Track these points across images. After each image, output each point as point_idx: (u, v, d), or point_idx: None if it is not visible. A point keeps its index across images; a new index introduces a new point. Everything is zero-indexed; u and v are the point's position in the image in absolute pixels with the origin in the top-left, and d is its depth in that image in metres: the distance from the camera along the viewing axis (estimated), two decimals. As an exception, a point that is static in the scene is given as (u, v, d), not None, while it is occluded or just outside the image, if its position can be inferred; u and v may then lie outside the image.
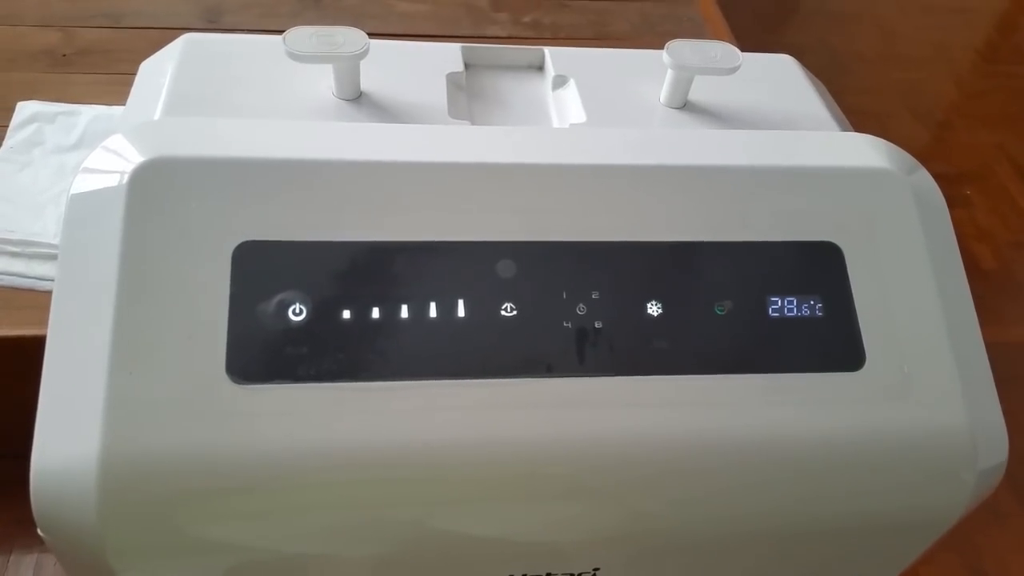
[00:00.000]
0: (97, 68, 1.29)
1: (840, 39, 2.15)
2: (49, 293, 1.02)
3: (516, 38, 1.45)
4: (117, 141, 0.51)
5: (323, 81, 0.61)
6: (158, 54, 0.65)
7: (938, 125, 1.95)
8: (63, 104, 1.20)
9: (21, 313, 1.00)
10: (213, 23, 1.37)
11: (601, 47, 1.46)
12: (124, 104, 1.19)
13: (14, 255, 1.03)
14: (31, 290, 1.02)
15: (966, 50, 2.22)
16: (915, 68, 2.12)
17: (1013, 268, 1.55)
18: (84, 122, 1.18)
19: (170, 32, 1.43)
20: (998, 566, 1.23)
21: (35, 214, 1.07)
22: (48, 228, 1.05)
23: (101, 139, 1.18)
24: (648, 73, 0.66)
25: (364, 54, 0.58)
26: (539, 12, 1.51)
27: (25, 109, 1.18)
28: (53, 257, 1.02)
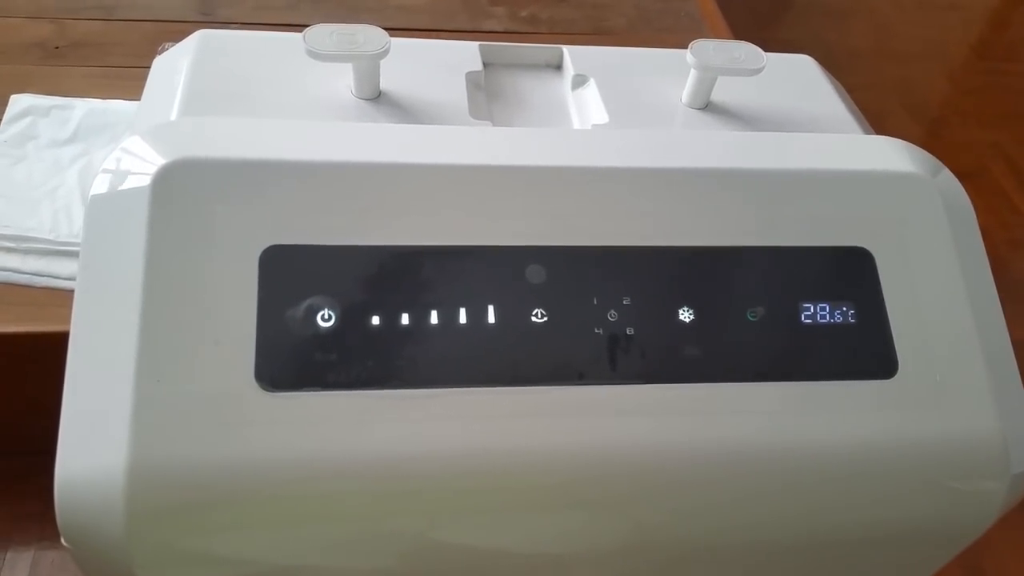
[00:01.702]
0: (90, 61, 1.26)
1: (834, 35, 2.15)
2: (43, 289, 1.01)
3: (513, 32, 1.44)
4: (137, 142, 0.50)
5: (341, 80, 0.60)
6: (172, 50, 0.64)
7: (932, 122, 1.95)
8: (57, 97, 1.18)
9: (15, 309, 0.98)
10: (207, 16, 1.35)
11: (598, 41, 1.46)
12: (118, 97, 1.17)
13: (8, 251, 1.01)
14: (26, 286, 1.00)
15: (960, 46, 2.23)
16: (909, 64, 2.12)
17: (1009, 267, 1.56)
18: (79, 116, 1.16)
19: (164, 25, 1.41)
20: (997, 566, 1.23)
21: (30, 209, 1.05)
22: (43, 223, 1.03)
23: (96, 133, 1.17)
24: (667, 73, 0.66)
25: (385, 53, 0.57)
26: (536, 6, 1.50)
27: (18, 102, 1.16)
28: (48, 252, 1.01)
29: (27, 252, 1.01)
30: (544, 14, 1.49)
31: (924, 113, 1.96)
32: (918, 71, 2.10)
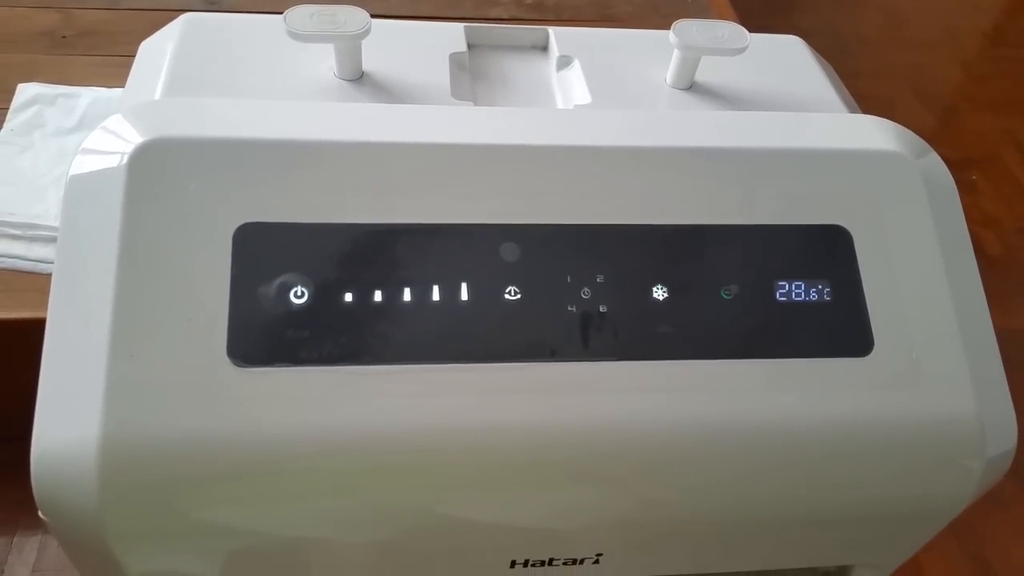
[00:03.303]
0: (97, 50, 1.28)
1: (846, 22, 2.14)
2: (50, 276, 1.02)
3: (519, 19, 1.44)
4: (117, 121, 0.50)
5: (325, 61, 0.60)
6: (158, 34, 0.64)
7: (944, 109, 1.93)
8: (63, 86, 1.19)
9: (22, 296, 0.99)
10: (212, 4, 1.36)
11: (605, 28, 1.45)
12: (124, 85, 1.18)
13: (15, 238, 1.03)
14: (32, 273, 1.01)
15: (973, 34, 2.20)
16: (921, 52, 2.10)
17: (1019, 254, 1.54)
18: (84, 104, 1.18)
19: (170, 13, 1.41)
20: (999, 553, 1.22)
21: (36, 197, 1.06)
22: (49, 211, 1.05)
23: (101, 121, 1.18)
24: (654, 54, 0.65)
25: (366, 33, 0.57)
26: (542, -7, 1.50)
27: (25, 91, 1.18)
28: (54, 240, 1.01)
29: (33, 239, 1.03)
30: (550, 1, 1.49)
31: (936, 100, 1.94)
32: (930, 58, 2.08)
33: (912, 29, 2.19)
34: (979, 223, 1.59)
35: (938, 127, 1.86)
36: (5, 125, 1.13)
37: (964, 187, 1.60)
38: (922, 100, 1.91)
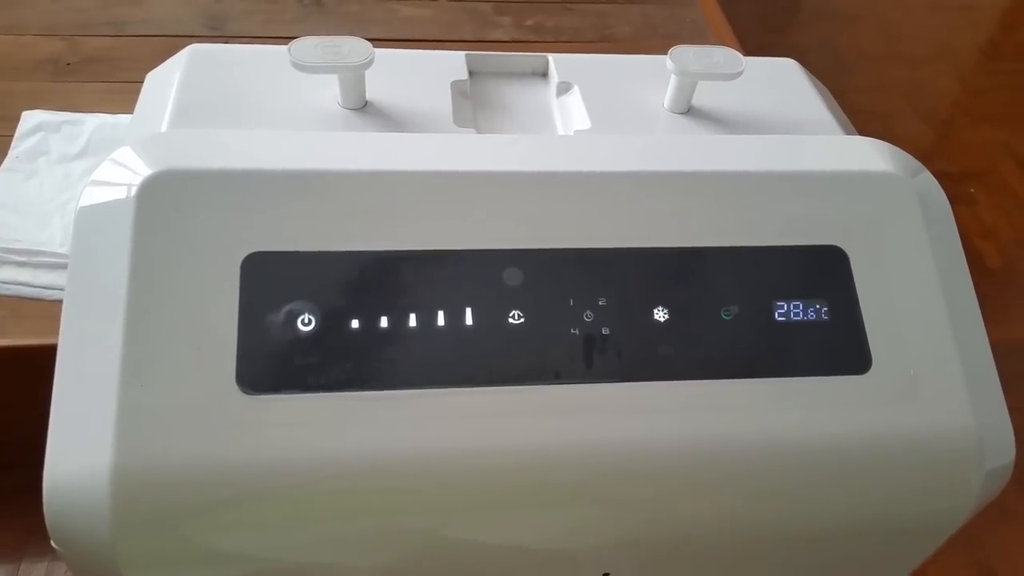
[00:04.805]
0: (101, 76, 1.29)
1: (843, 38, 2.15)
2: (55, 302, 1.03)
3: (519, 41, 1.46)
4: (125, 153, 0.51)
5: (329, 91, 0.61)
6: (164, 65, 0.65)
7: (942, 123, 1.94)
8: (68, 113, 1.20)
9: (28, 322, 1.00)
10: (216, 30, 1.38)
11: (603, 49, 1.47)
12: (128, 112, 1.20)
13: (20, 264, 1.04)
14: (37, 299, 1.02)
15: (970, 48, 2.22)
16: (919, 66, 2.11)
17: (1018, 266, 1.55)
18: (89, 131, 1.19)
19: (173, 40, 1.44)
20: (1007, 564, 1.23)
21: (41, 223, 1.07)
22: (54, 237, 1.05)
23: (106, 147, 1.19)
24: (652, 79, 0.67)
25: (369, 64, 0.58)
26: (541, 15, 1.51)
27: (30, 118, 1.19)
28: (59, 266, 1.03)
29: (38, 265, 1.03)
30: (549, 23, 1.51)
31: (934, 114, 1.95)
32: (927, 73, 2.09)
33: (909, 44, 2.20)
34: (978, 235, 1.60)
35: (936, 141, 1.87)
36: (10, 152, 1.14)
37: (962, 200, 1.61)
38: (920, 114, 1.92)
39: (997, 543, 1.24)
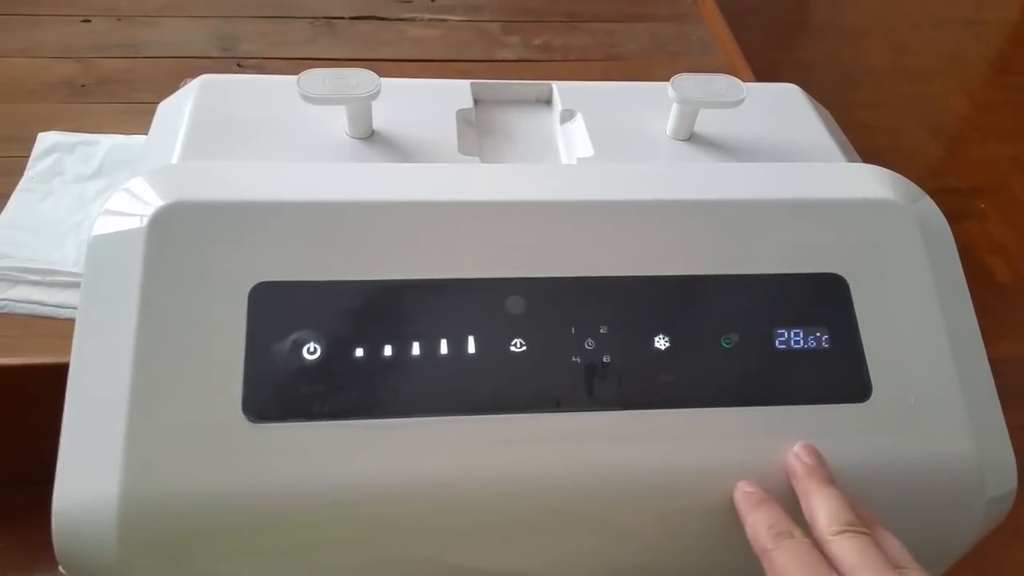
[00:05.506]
0: (116, 97, 1.31)
1: (850, 54, 2.15)
2: (69, 321, 1.04)
3: (527, 61, 1.46)
4: (138, 184, 0.52)
5: (337, 121, 0.62)
6: (175, 95, 0.67)
7: (951, 138, 1.94)
8: (82, 134, 1.22)
9: (42, 340, 1.01)
10: (228, 52, 1.39)
11: (611, 67, 1.47)
12: (142, 132, 1.21)
13: (35, 283, 1.05)
14: (51, 317, 1.03)
15: (978, 62, 2.22)
16: (926, 81, 2.11)
17: (1028, 282, 1.55)
18: (103, 151, 1.20)
19: (187, 61, 1.45)
20: (1016, 583, 1.22)
21: (56, 243, 1.08)
22: (68, 256, 1.07)
23: (120, 168, 1.20)
24: (654, 106, 0.67)
25: (375, 95, 0.59)
26: (549, 34, 1.52)
27: (45, 140, 1.20)
28: (73, 285, 1.04)
29: (52, 285, 1.05)
30: (557, 42, 1.52)
31: (942, 130, 1.95)
32: (935, 88, 2.09)
33: (917, 59, 2.20)
34: (988, 251, 1.59)
35: (945, 156, 1.87)
36: (26, 173, 1.16)
37: (973, 215, 1.61)
38: (928, 129, 1.92)
39: (1009, 561, 1.24)
